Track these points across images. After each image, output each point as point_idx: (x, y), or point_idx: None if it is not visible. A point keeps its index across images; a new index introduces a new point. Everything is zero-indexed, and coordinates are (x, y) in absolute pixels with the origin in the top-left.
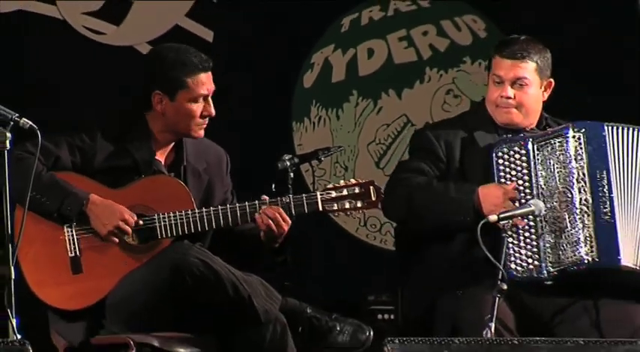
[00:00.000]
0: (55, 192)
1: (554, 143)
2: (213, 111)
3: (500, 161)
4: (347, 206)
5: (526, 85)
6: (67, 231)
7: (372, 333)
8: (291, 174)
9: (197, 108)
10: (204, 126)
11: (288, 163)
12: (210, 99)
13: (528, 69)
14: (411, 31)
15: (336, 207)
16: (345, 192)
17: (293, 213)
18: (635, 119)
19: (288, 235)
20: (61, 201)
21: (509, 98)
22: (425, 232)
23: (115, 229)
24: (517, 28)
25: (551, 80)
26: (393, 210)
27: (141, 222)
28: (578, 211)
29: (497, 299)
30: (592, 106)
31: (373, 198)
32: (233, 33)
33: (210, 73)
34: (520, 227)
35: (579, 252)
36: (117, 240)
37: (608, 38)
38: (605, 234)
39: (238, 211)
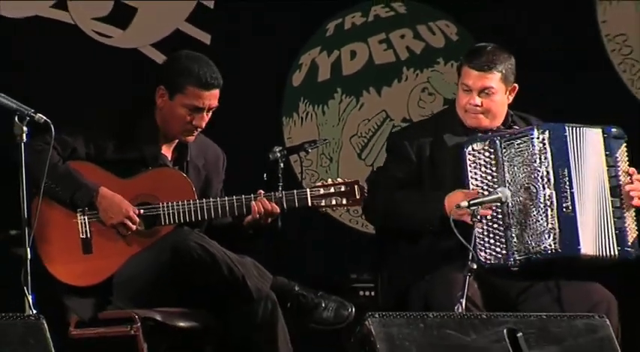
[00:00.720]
0: (68, 183)
1: (521, 143)
2: (202, 125)
3: (471, 158)
4: (333, 202)
5: (492, 93)
6: (80, 215)
7: (353, 310)
8: (281, 164)
9: (188, 116)
10: (194, 134)
11: (279, 154)
12: (205, 113)
13: (494, 79)
14: (389, 35)
15: (323, 203)
16: (332, 190)
17: (285, 206)
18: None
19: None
20: (73, 192)
21: (477, 106)
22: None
23: (119, 224)
24: (485, 29)
25: (515, 85)
26: (371, 218)
27: (142, 211)
28: (542, 205)
29: (467, 278)
30: (552, 103)
31: (357, 197)
32: (228, 36)
33: (215, 91)
34: (489, 219)
35: (543, 243)
36: (123, 232)
37: (568, 40)
38: (567, 226)
39: (235, 203)
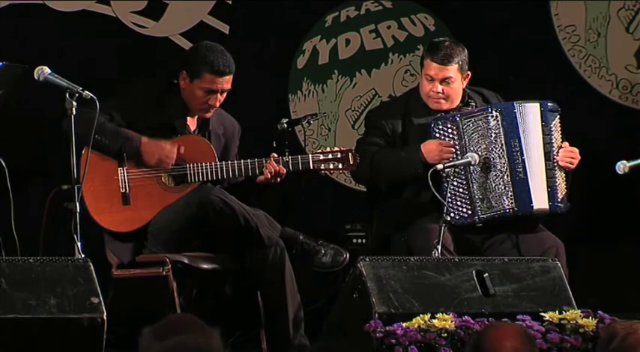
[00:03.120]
0: (116, 137)
1: (478, 120)
2: (216, 104)
3: (438, 135)
4: (331, 166)
5: (452, 81)
6: (120, 172)
7: (348, 255)
8: (288, 134)
9: (205, 96)
10: (210, 111)
11: (286, 125)
12: (219, 95)
13: (452, 70)
14: (378, 26)
15: (323, 167)
16: (330, 156)
17: (291, 169)
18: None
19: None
20: (122, 142)
21: (439, 92)
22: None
23: (164, 161)
24: (456, 21)
25: (469, 73)
26: (360, 174)
27: (182, 149)
28: (499, 172)
29: (442, 227)
30: (513, 83)
31: (351, 162)
32: (244, 27)
33: (228, 77)
34: (455, 185)
35: (502, 204)
36: (165, 166)
37: (526, 29)
38: (520, 188)
39: (250, 165)
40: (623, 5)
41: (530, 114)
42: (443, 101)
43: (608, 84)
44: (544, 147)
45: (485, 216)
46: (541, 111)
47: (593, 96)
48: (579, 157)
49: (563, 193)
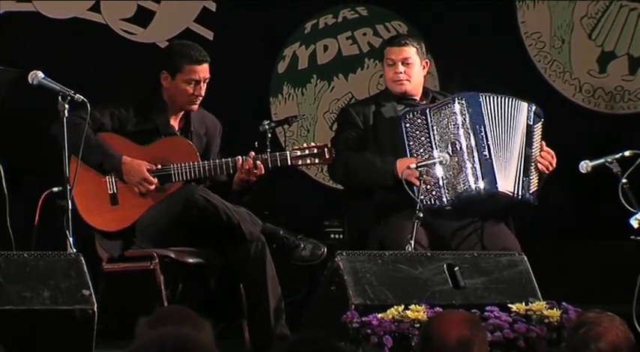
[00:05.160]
0: (98, 153)
1: (445, 109)
2: (202, 93)
3: (408, 125)
4: (308, 161)
5: (411, 63)
6: (108, 175)
7: (326, 250)
8: (269, 135)
9: (189, 88)
10: (197, 102)
11: (267, 127)
12: (202, 83)
13: (411, 52)
14: (354, 32)
15: (300, 162)
16: (307, 152)
17: (270, 166)
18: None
19: (252, 185)
20: (102, 159)
21: (401, 73)
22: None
23: (138, 184)
24: (428, 28)
25: (427, 61)
26: (335, 177)
27: (158, 166)
28: (465, 154)
29: (415, 223)
30: (480, 86)
31: (327, 157)
32: (228, 33)
33: (205, 65)
34: (425, 171)
35: (468, 183)
36: (142, 190)
37: (494, 36)
38: (486, 169)
39: (230, 163)
40: (586, 13)
41: (518, 109)
42: (406, 82)
43: (572, 88)
44: (526, 142)
45: (452, 197)
46: (528, 110)
47: (558, 100)
48: (555, 165)
49: (535, 189)
